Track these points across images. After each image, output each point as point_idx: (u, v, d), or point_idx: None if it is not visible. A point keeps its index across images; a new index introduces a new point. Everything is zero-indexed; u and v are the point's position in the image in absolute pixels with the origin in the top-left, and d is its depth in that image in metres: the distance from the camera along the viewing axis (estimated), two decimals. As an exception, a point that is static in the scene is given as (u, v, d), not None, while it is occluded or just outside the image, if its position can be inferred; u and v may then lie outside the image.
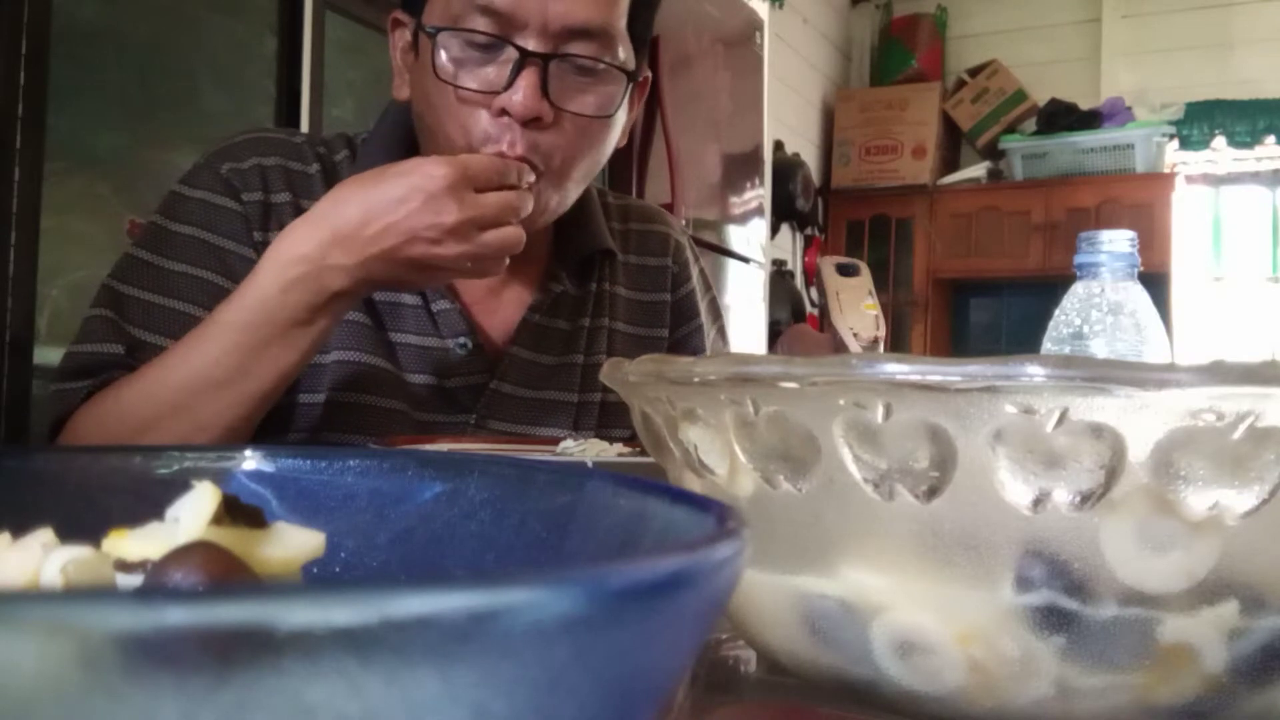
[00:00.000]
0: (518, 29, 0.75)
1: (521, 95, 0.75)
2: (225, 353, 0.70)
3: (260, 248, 0.80)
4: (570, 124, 0.78)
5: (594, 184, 0.95)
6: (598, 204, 0.96)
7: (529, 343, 0.89)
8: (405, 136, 0.87)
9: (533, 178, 0.75)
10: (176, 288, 0.79)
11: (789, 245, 4.00)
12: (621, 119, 0.85)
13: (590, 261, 0.94)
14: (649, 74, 0.89)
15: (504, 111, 0.76)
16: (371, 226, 0.69)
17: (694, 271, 1.03)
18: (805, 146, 4.19)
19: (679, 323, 1.01)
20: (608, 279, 0.95)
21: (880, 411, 0.29)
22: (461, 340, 0.85)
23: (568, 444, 0.68)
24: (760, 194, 3.34)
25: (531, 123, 0.76)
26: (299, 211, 0.82)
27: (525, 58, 0.75)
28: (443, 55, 0.77)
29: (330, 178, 0.85)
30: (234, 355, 0.70)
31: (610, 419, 0.93)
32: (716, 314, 1.07)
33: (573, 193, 0.84)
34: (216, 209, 0.82)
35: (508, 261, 0.74)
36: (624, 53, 0.80)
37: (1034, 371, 0.27)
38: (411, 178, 0.69)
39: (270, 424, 0.77)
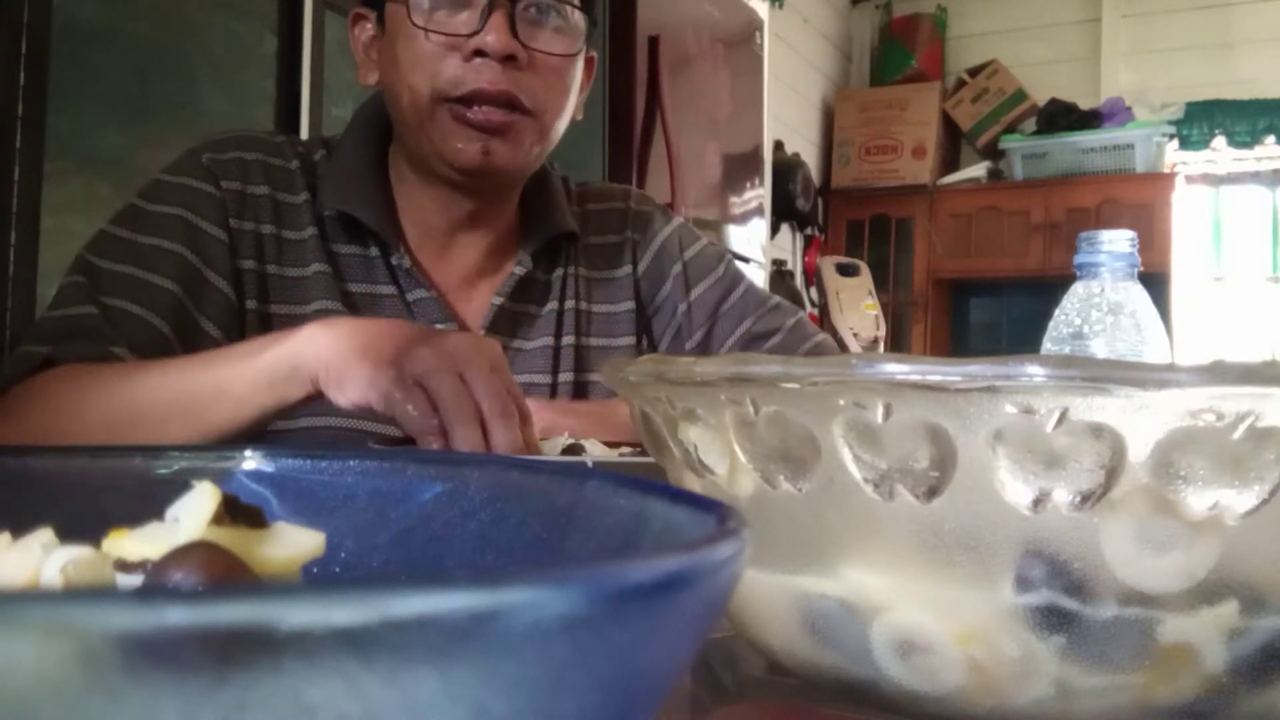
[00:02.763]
0: None
1: (495, 34, 0.82)
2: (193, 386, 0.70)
3: (234, 234, 0.85)
4: (541, 65, 0.86)
5: (556, 169, 1.00)
6: (560, 187, 1.00)
7: (503, 328, 0.92)
8: (378, 133, 0.93)
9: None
10: (148, 259, 0.81)
11: (789, 245, 4.00)
12: (578, 78, 0.91)
13: (556, 247, 0.97)
14: (594, 54, 0.95)
15: (477, 53, 0.83)
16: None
17: (664, 234, 1.02)
18: (805, 146, 4.18)
19: (655, 288, 1.00)
20: (572, 262, 0.98)
21: (880, 411, 0.29)
22: (439, 328, 0.87)
23: (560, 440, 0.68)
24: (760, 194, 3.34)
25: (507, 62, 0.83)
26: (276, 204, 0.88)
27: (493, 1, 0.82)
28: (417, 8, 0.83)
29: (309, 174, 0.90)
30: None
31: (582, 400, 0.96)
32: (726, 272, 1.02)
33: (547, 140, 0.89)
34: (194, 191, 0.85)
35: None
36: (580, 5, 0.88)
37: (1034, 371, 0.27)
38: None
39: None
